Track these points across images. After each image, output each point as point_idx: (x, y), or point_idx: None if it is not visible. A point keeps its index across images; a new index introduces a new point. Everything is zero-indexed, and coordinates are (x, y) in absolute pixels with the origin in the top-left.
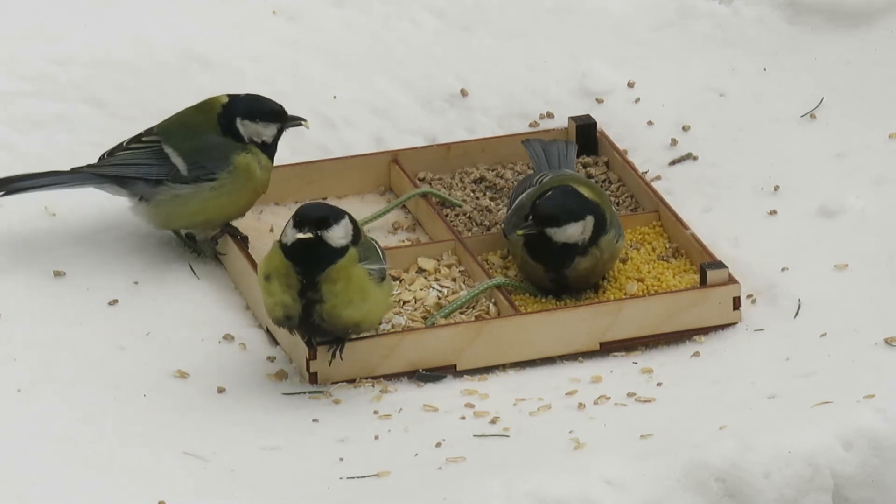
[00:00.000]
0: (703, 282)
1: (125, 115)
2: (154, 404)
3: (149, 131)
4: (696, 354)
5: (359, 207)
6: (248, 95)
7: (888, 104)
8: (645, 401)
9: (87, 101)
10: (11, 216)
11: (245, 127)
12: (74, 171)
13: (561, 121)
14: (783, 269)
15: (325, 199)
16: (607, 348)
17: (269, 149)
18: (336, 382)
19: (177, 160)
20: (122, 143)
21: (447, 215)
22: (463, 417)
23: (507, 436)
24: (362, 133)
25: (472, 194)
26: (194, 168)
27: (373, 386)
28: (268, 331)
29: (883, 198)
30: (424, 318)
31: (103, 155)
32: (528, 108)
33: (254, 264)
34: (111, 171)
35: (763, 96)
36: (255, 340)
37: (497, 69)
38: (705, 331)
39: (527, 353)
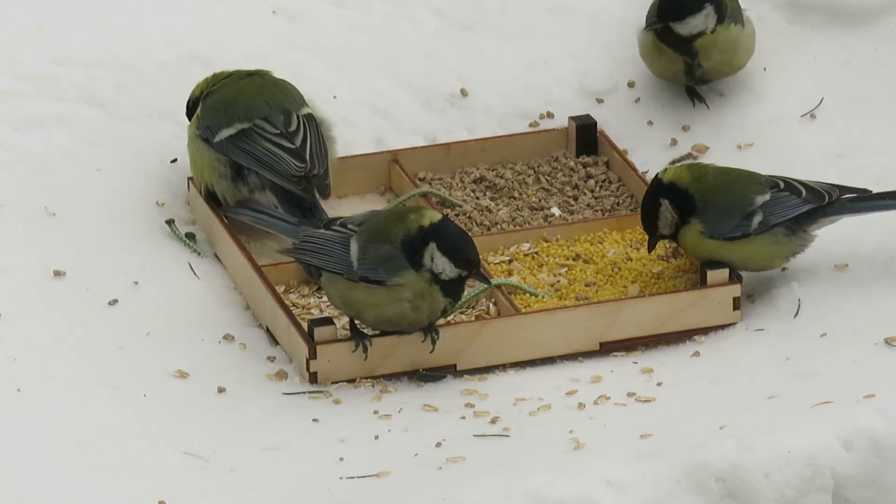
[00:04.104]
0: (703, 282)
1: (125, 115)
2: (154, 404)
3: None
4: (696, 354)
5: (359, 207)
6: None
7: (888, 104)
8: (645, 401)
9: (87, 101)
10: (11, 216)
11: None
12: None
13: (561, 121)
14: (783, 269)
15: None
16: (607, 348)
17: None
18: (336, 382)
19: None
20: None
21: (447, 215)
22: (463, 417)
23: (507, 436)
24: (362, 133)
25: (472, 194)
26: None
27: (373, 386)
28: (268, 331)
29: None
30: None
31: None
32: (528, 108)
33: (254, 264)
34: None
35: (763, 96)
36: (255, 340)
37: (497, 69)
38: (705, 331)
39: (527, 353)
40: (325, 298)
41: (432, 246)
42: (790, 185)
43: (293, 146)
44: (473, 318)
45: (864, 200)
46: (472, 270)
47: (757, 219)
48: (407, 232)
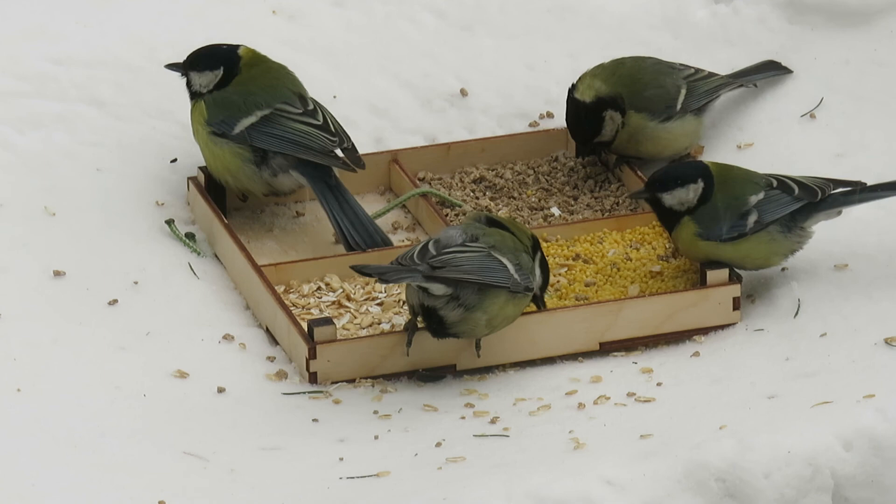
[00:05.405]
0: (703, 282)
1: (125, 115)
2: (154, 404)
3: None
4: (696, 354)
5: None
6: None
7: (888, 104)
8: (645, 401)
9: (87, 101)
10: (11, 216)
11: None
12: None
13: (561, 121)
14: (783, 269)
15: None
16: (607, 348)
17: None
18: (336, 382)
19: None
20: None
21: (447, 215)
22: (463, 417)
23: (507, 436)
24: (362, 133)
25: (472, 194)
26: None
27: (373, 386)
28: (268, 331)
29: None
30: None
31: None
32: (528, 108)
33: (254, 264)
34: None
35: (763, 96)
36: (255, 340)
37: (497, 69)
38: (705, 331)
39: (527, 352)
40: (324, 299)
41: (538, 257)
42: (783, 184)
43: (319, 122)
44: None
45: (857, 193)
46: (545, 289)
47: (752, 218)
48: (529, 239)
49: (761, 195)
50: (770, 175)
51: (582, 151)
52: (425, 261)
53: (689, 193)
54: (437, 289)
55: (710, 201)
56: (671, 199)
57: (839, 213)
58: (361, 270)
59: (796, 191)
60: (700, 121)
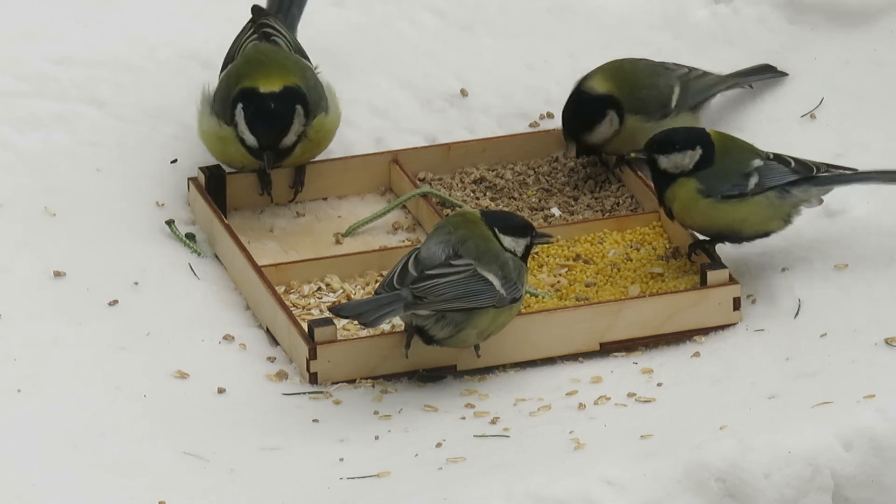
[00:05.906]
0: (703, 282)
1: (125, 115)
2: (154, 404)
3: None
4: (696, 354)
5: (359, 207)
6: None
7: (888, 104)
8: (645, 401)
9: (87, 101)
10: (11, 216)
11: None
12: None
13: (561, 121)
14: (783, 269)
15: (325, 198)
16: (607, 348)
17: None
18: (336, 382)
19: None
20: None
21: (447, 215)
22: (463, 417)
23: (507, 436)
24: (362, 133)
25: (472, 194)
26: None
27: (373, 386)
28: (268, 331)
29: (883, 198)
30: None
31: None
32: (528, 108)
33: (254, 264)
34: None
35: (763, 96)
36: (255, 340)
37: (497, 69)
38: (705, 331)
39: (527, 353)
40: (324, 299)
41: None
42: (779, 157)
43: None
44: None
45: (850, 173)
46: (531, 232)
47: (753, 180)
48: (482, 223)
49: (762, 162)
50: (768, 152)
51: (581, 151)
52: (406, 285)
53: (685, 159)
54: (422, 310)
55: (713, 165)
56: (667, 162)
57: (826, 190)
58: (339, 313)
59: (792, 163)
60: (696, 118)
